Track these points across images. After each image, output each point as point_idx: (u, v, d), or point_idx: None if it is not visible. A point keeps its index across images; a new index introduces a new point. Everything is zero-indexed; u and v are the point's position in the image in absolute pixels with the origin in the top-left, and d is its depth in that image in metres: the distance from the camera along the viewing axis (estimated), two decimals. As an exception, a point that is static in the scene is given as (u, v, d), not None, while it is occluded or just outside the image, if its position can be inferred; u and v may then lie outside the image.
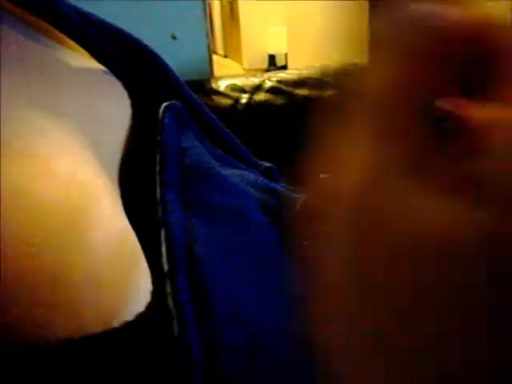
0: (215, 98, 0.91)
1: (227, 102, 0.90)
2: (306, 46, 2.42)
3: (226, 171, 0.40)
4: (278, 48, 2.62)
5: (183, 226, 0.31)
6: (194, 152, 0.37)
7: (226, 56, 3.32)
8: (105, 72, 0.40)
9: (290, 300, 0.33)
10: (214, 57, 3.29)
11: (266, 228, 0.37)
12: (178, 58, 1.10)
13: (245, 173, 0.44)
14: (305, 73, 0.93)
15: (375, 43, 0.17)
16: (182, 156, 0.36)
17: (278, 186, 0.46)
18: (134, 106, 0.40)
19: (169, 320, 0.25)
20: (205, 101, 0.93)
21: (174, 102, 0.39)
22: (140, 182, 0.35)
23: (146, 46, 0.44)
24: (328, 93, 0.97)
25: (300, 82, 0.91)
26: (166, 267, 0.27)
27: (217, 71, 1.87)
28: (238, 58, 2.90)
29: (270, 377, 0.27)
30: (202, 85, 0.95)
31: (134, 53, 0.43)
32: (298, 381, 0.28)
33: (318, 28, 2.43)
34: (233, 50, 3.12)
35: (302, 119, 0.86)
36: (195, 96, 0.46)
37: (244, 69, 2.67)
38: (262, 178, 0.45)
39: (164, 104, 0.38)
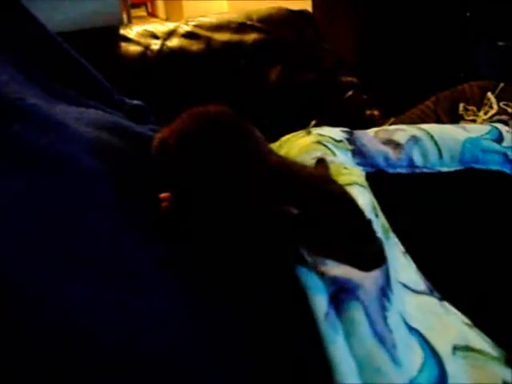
0: (123, 45, 0.78)
1: (136, 49, 0.78)
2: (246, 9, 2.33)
3: (56, 107, 0.33)
4: (219, 11, 2.54)
5: None
6: None
7: (167, 19, 3.19)
8: None
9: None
10: (156, 21, 3.14)
11: (94, 172, 0.29)
12: (86, 4, 0.97)
13: (91, 110, 0.37)
14: (226, 17, 0.82)
15: None
16: None
17: (136, 126, 0.38)
18: None
19: None
20: (112, 49, 0.82)
21: None
22: None
23: None
24: (251, 37, 0.87)
25: (219, 26, 0.80)
26: None
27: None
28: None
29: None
30: (111, 31, 0.83)
31: None
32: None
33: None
34: (174, 13, 3.03)
35: (220, 67, 0.76)
36: (40, 21, 0.37)
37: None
38: (113, 117, 0.37)
39: None
